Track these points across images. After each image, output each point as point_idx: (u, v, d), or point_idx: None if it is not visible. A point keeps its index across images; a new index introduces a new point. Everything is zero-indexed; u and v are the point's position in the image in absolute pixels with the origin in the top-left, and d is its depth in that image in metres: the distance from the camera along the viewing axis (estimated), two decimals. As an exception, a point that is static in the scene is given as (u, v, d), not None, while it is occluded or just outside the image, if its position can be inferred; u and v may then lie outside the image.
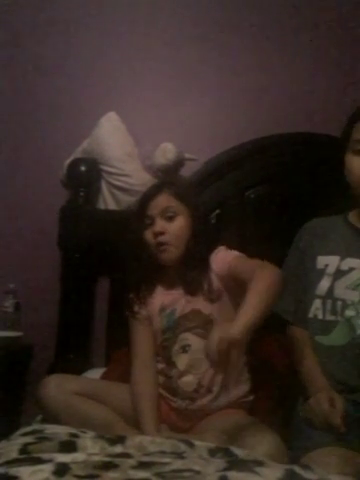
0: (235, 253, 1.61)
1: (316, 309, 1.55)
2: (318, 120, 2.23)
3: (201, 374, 1.54)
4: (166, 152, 2.09)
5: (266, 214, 2.10)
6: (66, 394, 1.50)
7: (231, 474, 1.07)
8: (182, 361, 1.57)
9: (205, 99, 2.31)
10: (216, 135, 2.26)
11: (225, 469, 1.10)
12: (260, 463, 1.14)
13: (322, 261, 1.58)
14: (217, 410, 1.56)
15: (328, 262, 1.57)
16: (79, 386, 1.54)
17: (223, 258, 1.60)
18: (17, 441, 1.31)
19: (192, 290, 1.60)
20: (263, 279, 1.40)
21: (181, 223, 1.62)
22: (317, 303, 1.55)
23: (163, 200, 1.63)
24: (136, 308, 1.67)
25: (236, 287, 1.55)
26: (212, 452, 1.24)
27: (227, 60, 2.33)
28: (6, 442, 1.34)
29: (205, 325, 1.57)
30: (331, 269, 1.55)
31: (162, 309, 1.63)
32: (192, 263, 1.60)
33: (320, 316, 1.54)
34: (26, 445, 1.26)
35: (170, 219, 1.62)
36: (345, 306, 1.50)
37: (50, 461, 1.14)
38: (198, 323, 1.58)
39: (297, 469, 1.11)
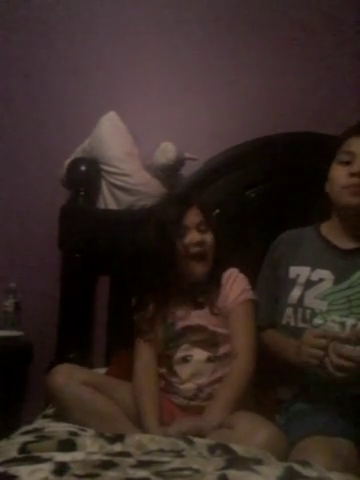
0: (246, 297, 1.62)
1: (288, 317, 1.59)
2: (319, 120, 2.22)
3: (201, 382, 1.56)
4: (166, 152, 2.09)
5: (266, 214, 2.10)
6: (75, 383, 1.51)
7: (230, 473, 1.06)
8: (184, 371, 1.58)
9: (205, 99, 2.32)
10: (216, 135, 2.26)
11: (224, 468, 1.10)
12: (259, 461, 1.14)
13: (294, 271, 1.62)
14: None
15: (299, 272, 1.61)
16: (87, 377, 1.55)
17: (236, 294, 1.61)
18: (17, 440, 1.32)
19: (199, 304, 1.62)
20: (238, 373, 1.51)
21: (212, 238, 1.63)
22: (289, 311, 1.59)
23: (198, 213, 1.63)
24: (141, 314, 1.66)
25: None
26: (211, 449, 1.23)
27: (227, 60, 2.33)
28: (6, 441, 1.34)
29: (209, 338, 1.59)
30: (302, 279, 1.59)
31: (165, 319, 1.63)
32: (206, 279, 1.62)
33: (292, 323, 1.58)
34: (26, 444, 1.26)
35: (203, 232, 1.62)
36: (314, 314, 1.54)
37: (49, 460, 1.14)
38: (202, 338, 1.59)
39: (296, 466, 1.11)
